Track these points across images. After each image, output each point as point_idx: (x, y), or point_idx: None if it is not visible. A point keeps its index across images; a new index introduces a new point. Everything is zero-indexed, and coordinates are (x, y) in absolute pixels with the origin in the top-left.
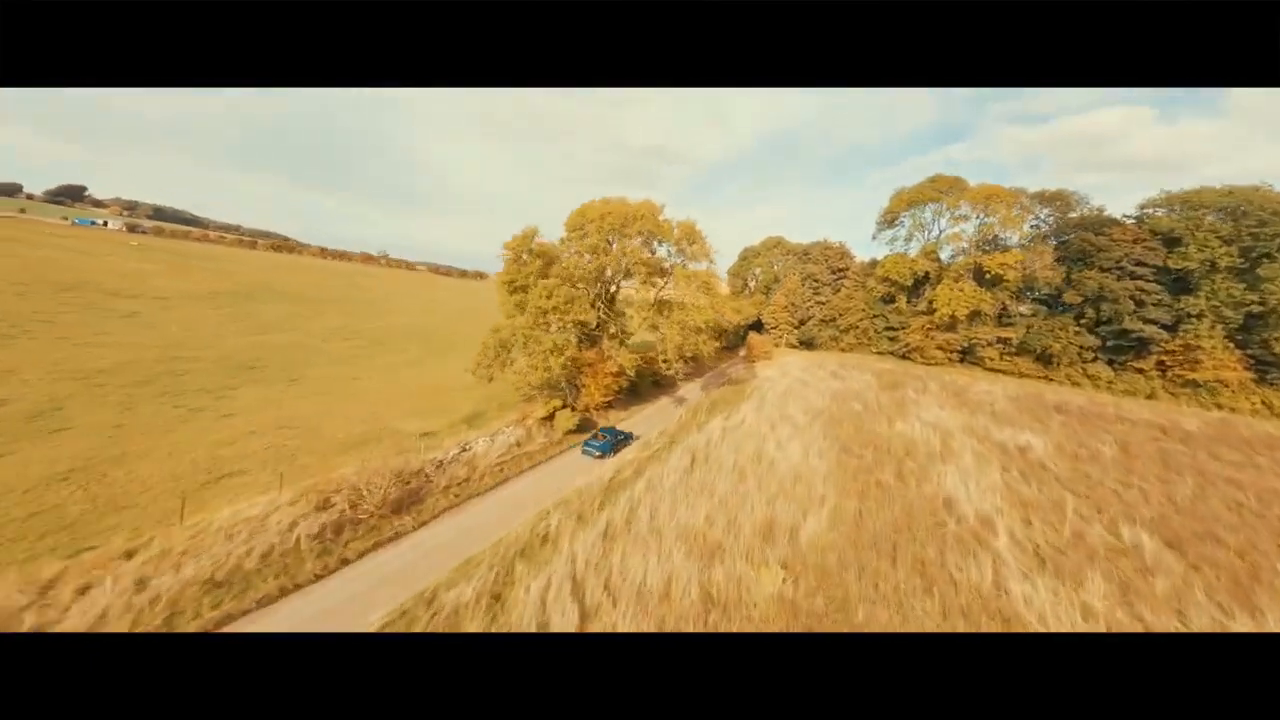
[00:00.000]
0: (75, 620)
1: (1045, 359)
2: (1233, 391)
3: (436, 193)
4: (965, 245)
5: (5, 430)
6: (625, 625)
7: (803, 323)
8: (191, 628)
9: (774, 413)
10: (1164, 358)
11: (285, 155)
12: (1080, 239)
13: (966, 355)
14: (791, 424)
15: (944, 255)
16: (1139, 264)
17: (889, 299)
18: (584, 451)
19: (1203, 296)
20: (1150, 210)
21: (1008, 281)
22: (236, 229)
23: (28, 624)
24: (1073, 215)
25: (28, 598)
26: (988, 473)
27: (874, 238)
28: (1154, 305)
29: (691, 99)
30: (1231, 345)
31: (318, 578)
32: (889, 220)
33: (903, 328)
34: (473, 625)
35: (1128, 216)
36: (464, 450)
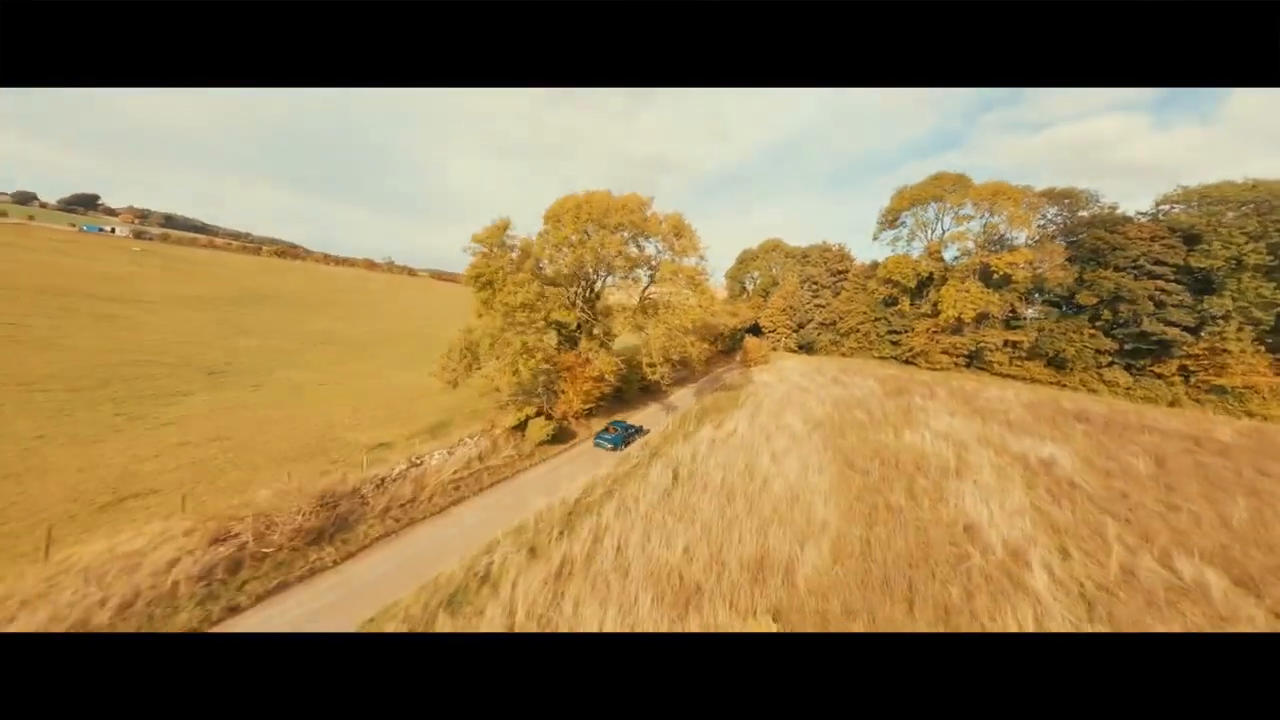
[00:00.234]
0: None
1: (1058, 363)
2: (1263, 398)
3: (450, 203)
4: (971, 245)
5: None
6: None
7: (801, 326)
8: None
9: (770, 422)
10: (1187, 362)
11: (299, 167)
12: (1093, 237)
13: (973, 359)
14: (789, 434)
15: (948, 256)
16: (1158, 262)
17: (891, 301)
18: (596, 444)
19: (1228, 296)
20: (1166, 207)
21: (1016, 282)
22: (246, 236)
23: None
24: (1083, 214)
25: None
26: (1011, 492)
27: (875, 238)
28: (1175, 306)
29: (692, 110)
30: (1262, 348)
31: (191, 632)
32: (890, 220)
33: (906, 331)
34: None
35: (1142, 214)
36: (414, 465)
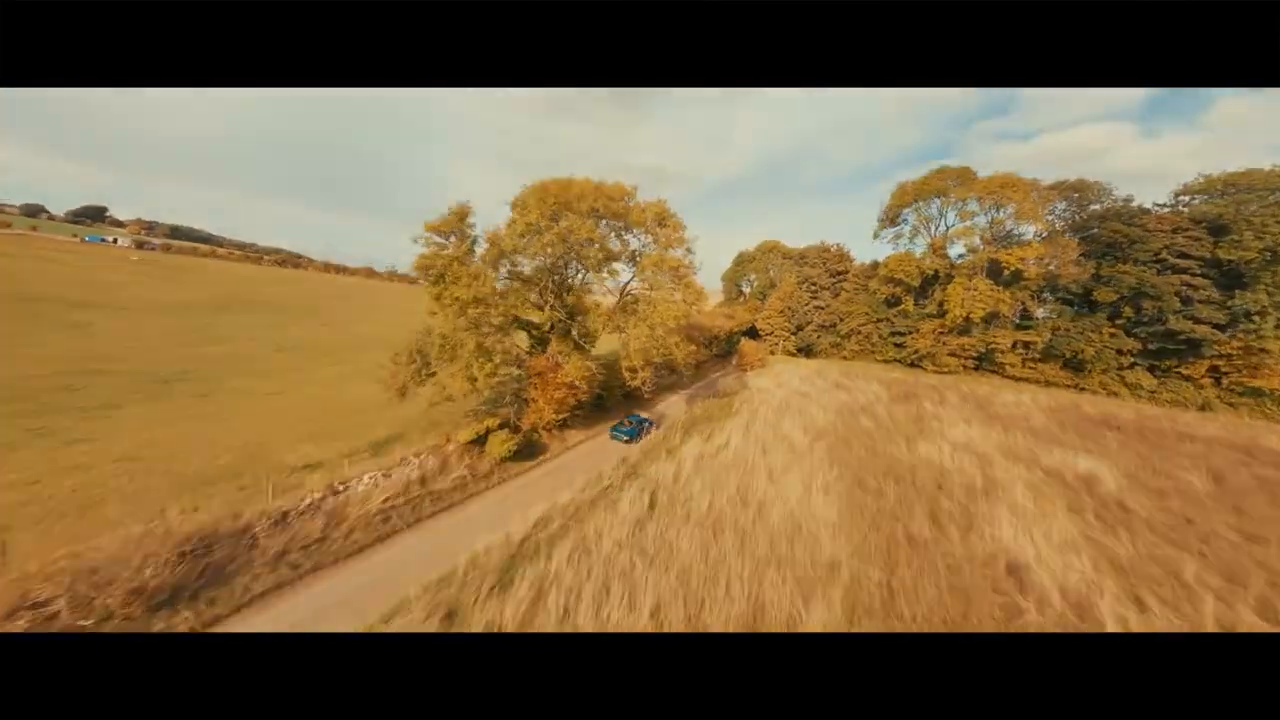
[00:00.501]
0: None
1: (1075, 365)
2: None
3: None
4: (977, 241)
5: None
6: None
7: (800, 328)
8: None
9: (766, 433)
10: (1218, 362)
11: (304, 181)
12: (1110, 229)
13: (983, 362)
14: (788, 447)
15: (953, 253)
16: (1182, 255)
17: (894, 301)
18: (612, 437)
19: (1263, 290)
20: (1187, 198)
21: (1028, 279)
22: (252, 246)
23: None
24: (1094, 207)
25: None
26: (1054, 517)
27: (876, 236)
28: (1202, 303)
29: (690, 122)
30: None
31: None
32: (891, 217)
33: (911, 332)
34: None
35: (1160, 205)
36: (336, 493)
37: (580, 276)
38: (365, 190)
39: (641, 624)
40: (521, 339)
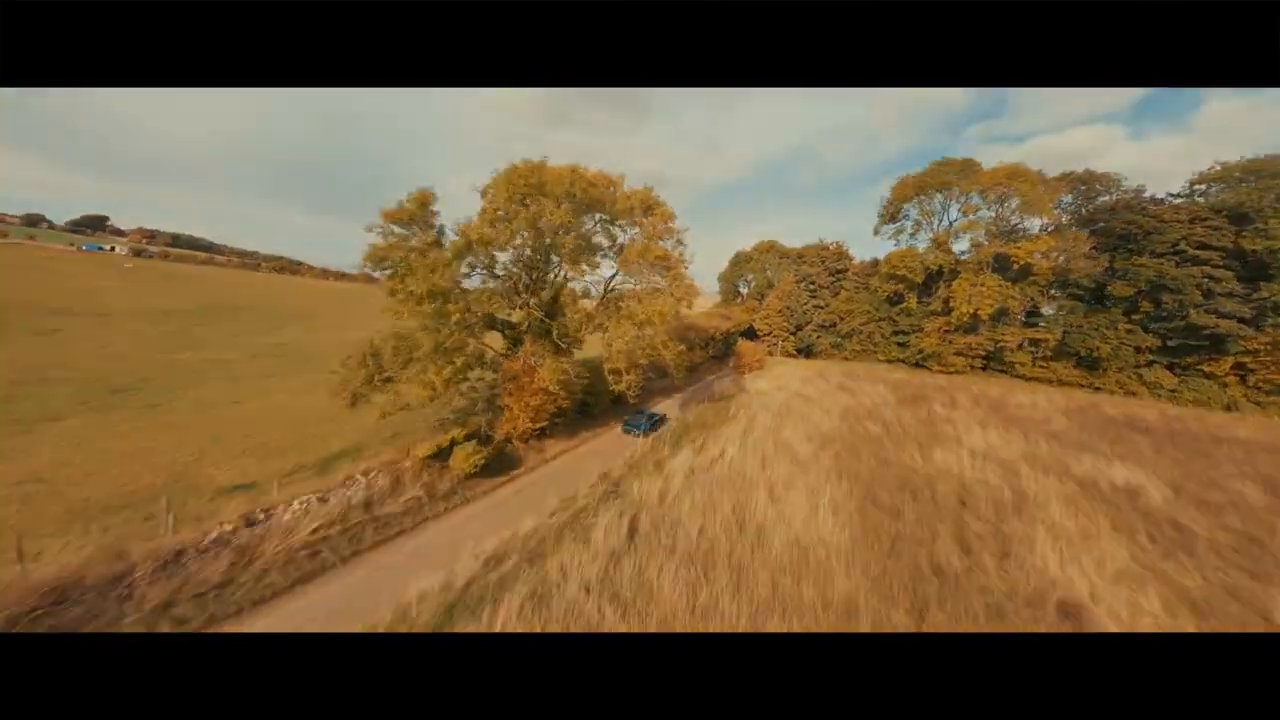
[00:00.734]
0: None
1: (1089, 363)
2: None
3: (451, 223)
4: (982, 236)
5: None
6: None
7: (800, 328)
8: None
9: (766, 440)
10: (1244, 359)
11: (308, 186)
12: (1124, 220)
13: (990, 361)
14: (790, 457)
15: (957, 249)
16: (1202, 246)
17: (896, 299)
18: (625, 430)
19: None
20: (1203, 187)
21: (1037, 274)
22: (254, 254)
23: None
24: (1101, 200)
25: None
26: (1100, 539)
27: (876, 232)
28: (1225, 295)
29: (688, 127)
30: None
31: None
32: (892, 213)
33: (914, 331)
34: None
35: (1174, 195)
36: (253, 523)
37: (561, 273)
38: (365, 199)
39: None
40: (496, 340)
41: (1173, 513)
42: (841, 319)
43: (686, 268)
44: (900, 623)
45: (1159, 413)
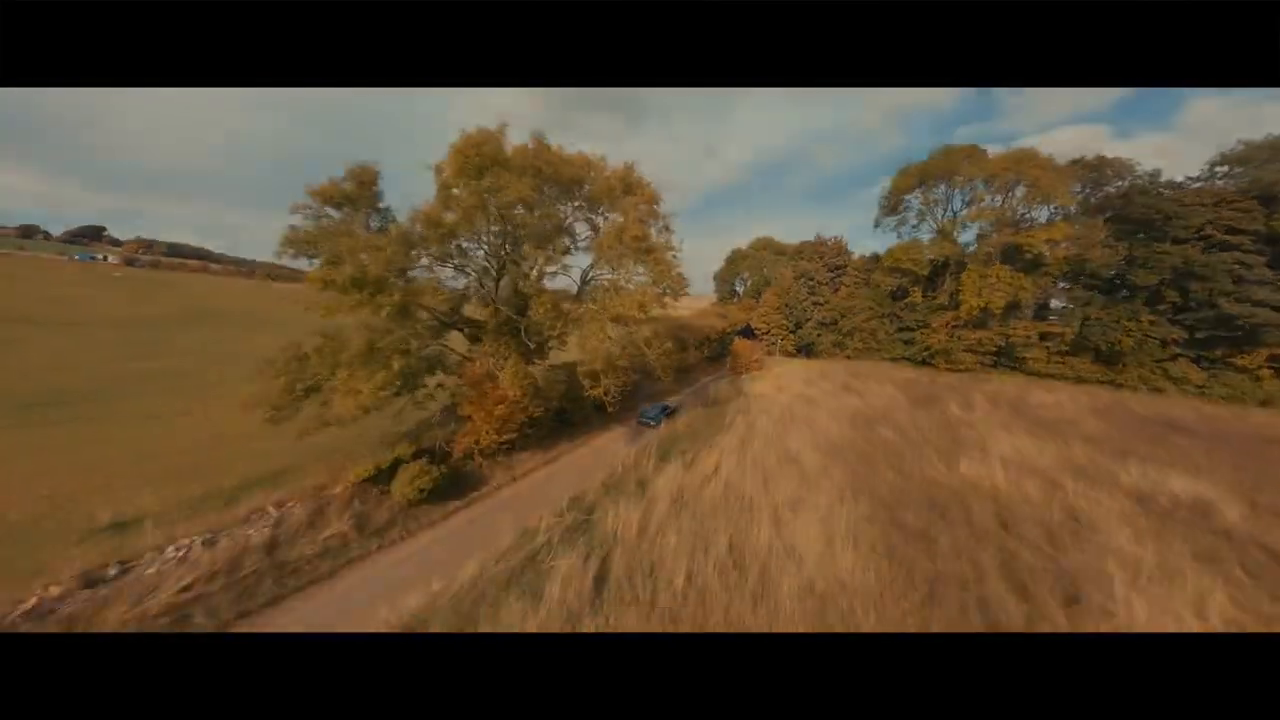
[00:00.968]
0: None
1: (1109, 358)
2: None
3: None
4: (990, 226)
5: None
6: None
7: (799, 326)
8: None
9: (768, 452)
10: None
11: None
12: (1142, 204)
13: (1001, 357)
14: (797, 472)
15: (963, 239)
16: (1231, 230)
17: (900, 294)
18: (639, 422)
19: None
20: (1224, 168)
21: (1050, 264)
22: (250, 262)
23: None
24: (1110, 188)
25: None
26: (1184, 574)
27: (876, 225)
28: (1257, 283)
29: (682, 131)
30: None
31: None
32: (893, 204)
33: (920, 327)
34: None
35: (1191, 179)
36: (92, 585)
37: (535, 264)
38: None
39: None
40: (458, 341)
41: (1256, 533)
42: (842, 316)
43: (674, 255)
44: None
45: (1193, 410)
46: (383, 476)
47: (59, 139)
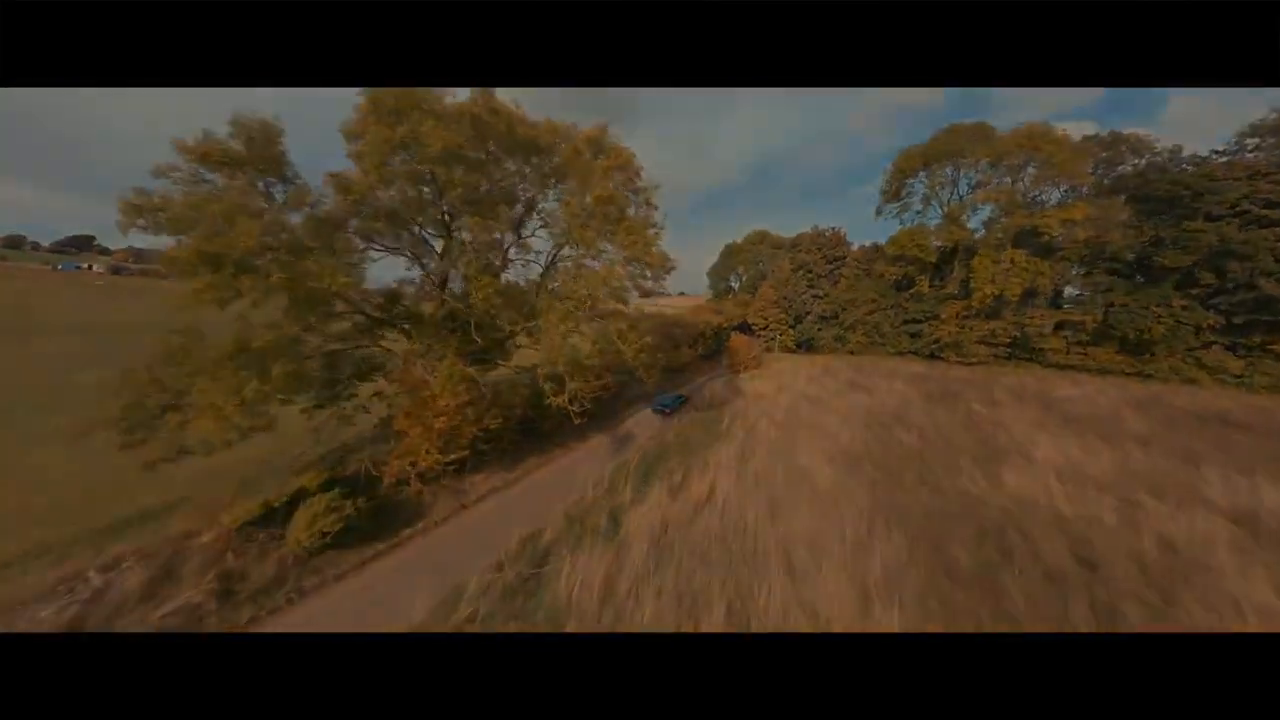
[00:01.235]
0: None
1: (1136, 347)
2: None
3: None
4: (999, 210)
5: None
6: None
7: (799, 320)
8: None
9: (773, 467)
10: None
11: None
12: (1169, 181)
13: (1016, 348)
14: (809, 491)
15: (971, 224)
16: (1269, 205)
17: (904, 284)
18: (654, 410)
19: None
20: (1255, 140)
21: (1067, 248)
22: None
23: None
24: (1126, 167)
25: None
26: None
27: (878, 212)
28: None
29: (674, 131)
30: None
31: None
32: (895, 189)
33: (928, 318)
34: None
35: (1217, 152)
36: None
37: (474, 242)
38: None
39: None
40: (395, 342)
41: None
42: (844, 309)
43: (654, 231)
44: None
45: (1238, 404)
46: (279, 515)
47: (54, 149)
